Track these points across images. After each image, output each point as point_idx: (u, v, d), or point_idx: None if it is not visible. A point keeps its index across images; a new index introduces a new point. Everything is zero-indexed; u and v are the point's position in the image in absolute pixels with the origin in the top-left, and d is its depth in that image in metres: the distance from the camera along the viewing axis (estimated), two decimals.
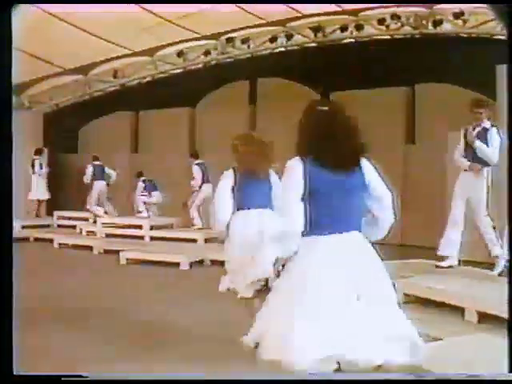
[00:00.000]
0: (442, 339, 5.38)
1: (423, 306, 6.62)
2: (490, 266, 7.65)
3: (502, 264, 7.65)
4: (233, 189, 5.97)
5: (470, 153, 7.89)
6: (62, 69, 18.04)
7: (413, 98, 15.02)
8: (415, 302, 6.80)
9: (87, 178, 16.99)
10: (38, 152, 17.95)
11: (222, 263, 11.03)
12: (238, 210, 5.97)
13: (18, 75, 16.43)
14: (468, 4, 12.93)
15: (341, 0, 13.35)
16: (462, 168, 8.02)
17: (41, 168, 17.81)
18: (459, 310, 6.15)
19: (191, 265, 11.17)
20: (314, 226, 3.52)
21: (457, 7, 13.51)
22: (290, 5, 14.09)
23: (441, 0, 13.25)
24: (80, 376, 4.11)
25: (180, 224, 15.21)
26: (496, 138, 7.73)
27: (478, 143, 7.75)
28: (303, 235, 3.50)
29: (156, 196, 16.36)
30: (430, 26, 14.41)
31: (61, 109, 20.50)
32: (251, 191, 5.94)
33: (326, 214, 3.52)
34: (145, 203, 16.34)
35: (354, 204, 3.59)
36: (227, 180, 6.05)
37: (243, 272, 5.79)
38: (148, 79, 19.19)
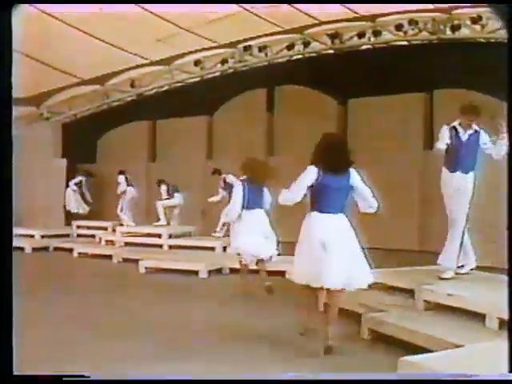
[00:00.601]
0: (463, 346, 5.32)
1: (444, 312, 6.56)
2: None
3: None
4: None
5: (462, 155, 7.76)
6: (79, 79, 18.15)
7: (431, 103, 14.94)
8: (435, 309, 6.74)
9: (122, 187, 17.22)
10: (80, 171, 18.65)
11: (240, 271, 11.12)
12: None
13: (36, 86, 16.59)
14: (468, 4, 12.87)
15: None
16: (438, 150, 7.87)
17: (74, 185, 18.47)
18: (480, 317, 6.08)
19: (210, 273, 11.16)
20: (316, 207, 6.22)
21: (474, 12, 13.45)
22: (308, 11, 14.13)
23: (441, 0, 13.15)
24: (81, 376, 4.09)
25: (198, 232, 15.23)
26: (487, 136, 7.72)
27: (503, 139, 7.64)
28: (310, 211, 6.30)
29: (178, 197, 16.32)
30: (448, 32, 14.34)
31: (79, 119, 20.60)
32: (252, 198, 9.27)
33: (323, 201, 6.19)
34: (165, 209, 16.33)
35: (342, 197, 6.24)
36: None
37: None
38: (165, 88, 19.24)
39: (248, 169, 9.48)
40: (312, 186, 6.17)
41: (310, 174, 6.18)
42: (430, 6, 13.73)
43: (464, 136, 7.77)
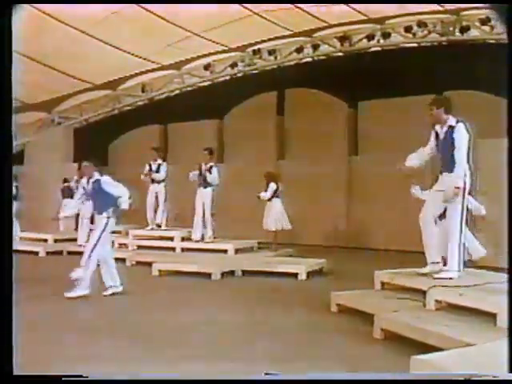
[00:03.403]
0: (474, 344, 5.37)
1: (455, 312, 6.59)
2: None
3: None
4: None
5: (443, 155, 7.65)
6: (91, 84, 18.28)
7: None
8: (447, 309, 6.78)
9: None
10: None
11: (252, 273, 11.21)
12: None
13: (47, 91, 16.74)
14: (468, 4, 12.93)
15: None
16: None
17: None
18: (491, 316, 6.12)
19: (223, 275, 11.22)
20: None
21: (483, 13, 13.48)
22: (317, 14, 14.20)
23: (441, 0, 13.21)
24: (80, 376, 4.13)
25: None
26: (463, 133, 7.45)
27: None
28: None
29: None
30: (457, 33, 14.39)
31: (90, 124, 20.73)
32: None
33: None
34: None
35: None
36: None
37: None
38: (176, 92, 19.35)
39: None
40: None
41: None
42: (439, 8, 13.79)
43: (441, 134, 7.62)
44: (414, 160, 7.94)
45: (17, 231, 17.99)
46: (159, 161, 15.24)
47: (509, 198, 4.42)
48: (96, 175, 9.49)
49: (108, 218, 9.25)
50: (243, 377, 4.50)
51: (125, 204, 9.34)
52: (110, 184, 9.43)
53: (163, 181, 15.06)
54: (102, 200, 9.36)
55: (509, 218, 4.76)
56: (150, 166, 15.13)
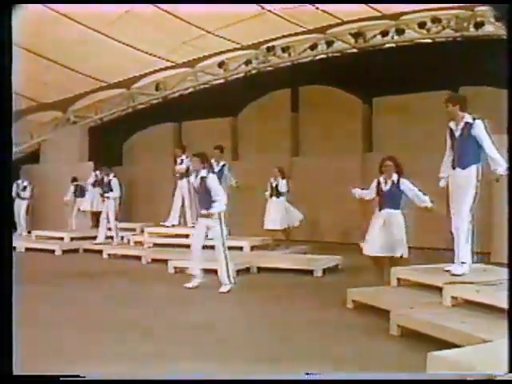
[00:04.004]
0: (491, 341, 5.35)
1: (471, 308, 6.58)
2: None
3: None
4: None
5: (457, 151, 7.64)
6: (105, 83, 18.32)
7: None
8: (463, 305, 6.77)
9: None
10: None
11: (267, 270, 11.21)
12: None
13: (62, 91, 16.76)
14: (469, 4, 12.88)
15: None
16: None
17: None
18: (506, 312, 6.10)
19: (238, 272, 11.23)
20: None
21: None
22: (329, 11, 14.17)
23: (441, 0, 13.14)
24: (79, 376, 4.13)
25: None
26: (483, 129, 7.45)
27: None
28: None
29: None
30: (472, 29, 14.32)
31: (105, 123, 20.80)
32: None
33: None
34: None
35: None
36: None
37: None
38: (190, 90, 19.36)
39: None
40: None
41: None
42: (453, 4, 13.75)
43: (457, 131, 7.63)
44: (446, 171, 7.95)
45: (23, 230, 18.18)
46: (183, 156, 15.36)
47: (509, 193, 4.40)
48: (203, 172, 9.55)
49: (219, 213, 9.46)
50: (243, 377, 4.51)
51: (215, 208, 9.41)
52: (214, 183, 9.51)
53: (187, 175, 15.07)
54: (208, 197, 9.46)
55: (509, 214, 4.71)
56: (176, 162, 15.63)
